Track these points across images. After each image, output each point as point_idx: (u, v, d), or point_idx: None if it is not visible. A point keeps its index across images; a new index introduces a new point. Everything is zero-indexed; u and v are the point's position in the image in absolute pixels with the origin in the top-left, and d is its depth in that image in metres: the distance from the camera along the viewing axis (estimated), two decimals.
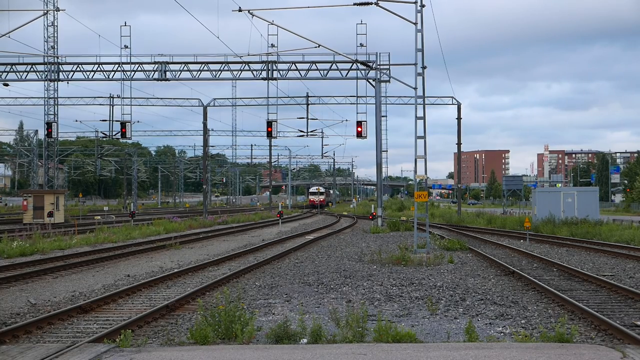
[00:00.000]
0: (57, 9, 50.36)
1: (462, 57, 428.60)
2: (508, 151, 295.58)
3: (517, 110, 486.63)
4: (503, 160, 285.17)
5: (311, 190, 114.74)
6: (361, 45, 43.03)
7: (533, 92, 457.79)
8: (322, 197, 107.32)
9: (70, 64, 45.51)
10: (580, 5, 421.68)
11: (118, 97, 51.08)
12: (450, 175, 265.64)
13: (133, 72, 44.60)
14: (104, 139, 70.94)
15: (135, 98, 71.07)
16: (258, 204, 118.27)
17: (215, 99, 57.19)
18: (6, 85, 46.13)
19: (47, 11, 51.71)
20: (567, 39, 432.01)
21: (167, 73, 44.21)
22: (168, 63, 44.19)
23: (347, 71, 43.97)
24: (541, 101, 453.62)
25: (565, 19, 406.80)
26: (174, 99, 59.52)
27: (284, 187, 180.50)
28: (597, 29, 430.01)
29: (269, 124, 46.66)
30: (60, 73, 45.32)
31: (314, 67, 43.88)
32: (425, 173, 24.65)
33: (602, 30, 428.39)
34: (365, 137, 45.01)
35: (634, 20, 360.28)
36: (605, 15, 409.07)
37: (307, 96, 54.22)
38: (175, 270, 19.87)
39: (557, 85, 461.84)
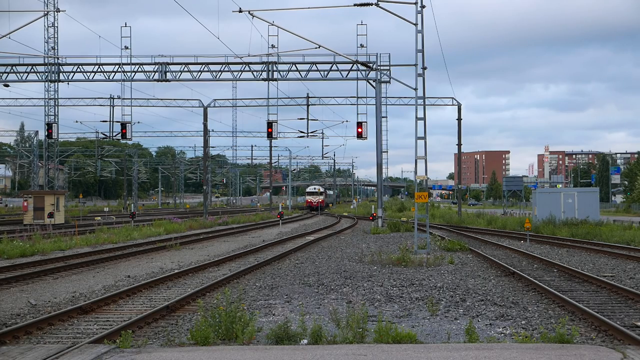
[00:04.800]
0: (58, 10, 50.40)
1: (458, 59, 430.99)
2: (508, 152, 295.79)
3: (514, 111, 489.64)
4: (503, 161, 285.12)
5: (308, 190, 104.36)
6: (361, 46, 43.07)
7: (529, 93, 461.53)
8: (320, 198, 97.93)
9: (70, 64, 45.50)
10: (570, 9, 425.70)
11: (118, 97, 51.11)
12: (451, 176, 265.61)
13: (133, 73, 44.61)
14: (105, 139, 70.99)
15: (135, 99, 71.11)
16: (258, 204, 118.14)
17: (215, 99, 57.28)
18: (7, 86, 46.13)
19: (48, 12, 51.76)
20: (559, 42, 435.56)
21: (168, 74, 44.21)
22: (168, 64, 44.21)
23: (347, 72, 43.97)
24: (538, 102, 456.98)
25: (556, 23, 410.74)
26: (175, 99, 59.57)
27: (284, 188, 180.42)
28: (588, 32, 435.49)
29: (269, 124, 46.65)
30: (61, 74, 45.30)
31: (314, 67, 43.87)
32: (426, 174, 24.66)
33: (593, 33, 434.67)
34: (366, 137, 45.05)
35: (623, 23, 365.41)
36: (595, 18, 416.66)
37: (308, 97, 54.21)
38: (176, 270, 19.87)
39: (553, 87, 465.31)
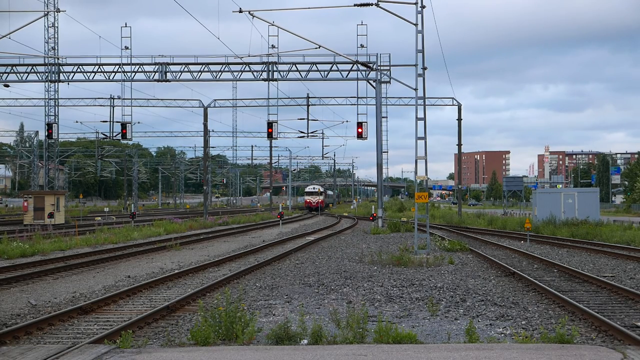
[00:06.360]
0: (58, 10, 50.41)
1: (456, 59, 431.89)
2: (508, 152, 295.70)
3: (513, 111, 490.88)
4: (503, 161, 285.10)
5: (307, 189, 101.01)
6: (361, 46, 43.07)
7: (528, 94, 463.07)
8: (320, 198, 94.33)
9: (70, 64, 45.52)
10: (568, 10, 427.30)
11: (118, 98, 51.11)
12: (451, 176, 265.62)
13: (133, 73, 44.62)
14: (105, 140, 70.99)
15: (135, 99, 71.15)
16: (258, 204, 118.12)
17: (215, 100, 57.28)
18: (7, 86, 46.15)
19: (48, 12, 51.79)
20: (557, 43, 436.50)
21: (168, 74, 44.22)
22: (169, 64, 44.21)
23: (347, 72, 43.98)
24: (536, 103, 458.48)
25: (554, 24, 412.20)
26: (175, 100, 59.61)
27: (284, 188, 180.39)
28: (586, 33, 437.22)
29: (270, 124, 46.69)
30: (61, 74, 45.31)
31: (314, 68, 43.88)
32: (426, 174, 24.66)
33: (591, 34, 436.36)
34: (366, 138, 45.10)
35: (621, 23, 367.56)
36: (592, 19, 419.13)
37: (308, 97, 54.21)
38: (176, 271, 19.87)
39: (551, 88, 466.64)
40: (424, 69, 24.77)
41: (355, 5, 29.83)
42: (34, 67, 44.97)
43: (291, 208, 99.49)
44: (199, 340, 10.05)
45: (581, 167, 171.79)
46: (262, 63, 43.97)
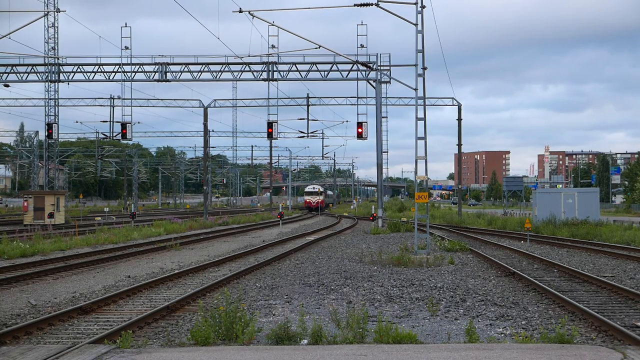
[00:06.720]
0: (58, 10, 50.42)
1: (456, 59, 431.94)
2: (508, 152, 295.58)
3: (513, 112, 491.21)
4: (504, 161, 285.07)
5: (307, 189, 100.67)
6: (361, 46, 43.07)
7: (528, 94, 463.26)
8: (320, 198, 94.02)
9: (70, 64, 45.52)
10: (567, 11, 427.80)
11: (118, 98, 51.11)
12: (451, 176, 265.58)
13: (133, 73, 44.62)
14: (105, 140, 70.99)
15: (135, 99, 71.13)
16: (258, 205, 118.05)
17: (215, 99, 57.28)
18: (7, 86, 46.14)
19: (48, 12, 51.80)
20: (557, 43, 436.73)
21: (168, 74, 44.22)
22: (169, 64, 44.21)
23: (347, 72, 43.98)
24: (536, 103, 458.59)
25: (554, 24, 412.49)
26: (175, 100, 59.60)
27: (284, 188, 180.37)
28: (586, 33, 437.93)
29: (270, 124, 46.71)
30: (61, 74, 45.30)
31: (314, 68, 43.88)
32: (426, 174, 24.67)
33: (590, 34, 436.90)
34: (366, 138, 45.12)
35: (620, 24, 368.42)
36: (592, 20, 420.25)
37: (308, 97, 54.21)
38: (176, 271, 19.87)
39: (551, 88, 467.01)
40: (424, 69, 24.78)
41: (355, 5, 29.85)
42: (34, 67, 44.94)
43: (291, 208, 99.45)
44: (199, 340, 10.05)
45: (581, 167, 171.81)
46: (262, 63, 43.98)
